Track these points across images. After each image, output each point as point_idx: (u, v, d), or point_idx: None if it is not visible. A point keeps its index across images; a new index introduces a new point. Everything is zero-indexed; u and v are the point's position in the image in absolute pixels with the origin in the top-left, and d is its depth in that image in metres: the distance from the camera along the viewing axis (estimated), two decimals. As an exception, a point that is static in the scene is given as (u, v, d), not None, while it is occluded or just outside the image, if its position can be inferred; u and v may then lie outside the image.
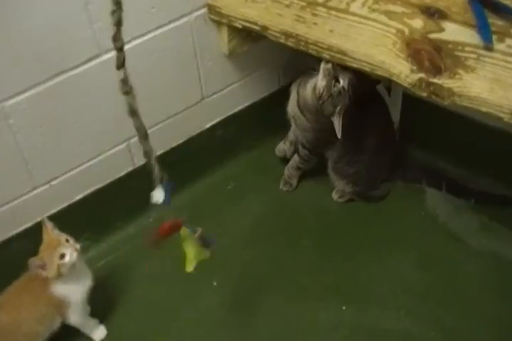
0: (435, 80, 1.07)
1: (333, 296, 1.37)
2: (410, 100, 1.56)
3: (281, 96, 1.46)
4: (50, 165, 1.30)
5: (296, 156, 1.55)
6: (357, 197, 1.56)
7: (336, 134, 1.31)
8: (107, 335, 1.32)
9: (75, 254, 1.16)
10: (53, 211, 1.37)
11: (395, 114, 1.61)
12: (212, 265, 1.41)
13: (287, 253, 1.47)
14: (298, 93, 1.40)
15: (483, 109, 1.04)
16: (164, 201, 1.09)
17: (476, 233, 1.46)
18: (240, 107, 1.58)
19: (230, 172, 1.65)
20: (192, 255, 1.18)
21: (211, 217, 1.54)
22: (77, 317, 1.24)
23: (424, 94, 1.10)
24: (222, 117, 1.57)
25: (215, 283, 1.41)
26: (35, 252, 1.32)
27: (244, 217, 1.56)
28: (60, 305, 1.20)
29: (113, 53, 1.21)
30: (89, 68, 1.23)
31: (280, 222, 1.56)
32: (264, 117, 1.49)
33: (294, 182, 1.61)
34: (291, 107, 1.44)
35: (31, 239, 1.32)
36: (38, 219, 1.33)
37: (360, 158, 1.47)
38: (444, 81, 1.06)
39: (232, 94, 1.54)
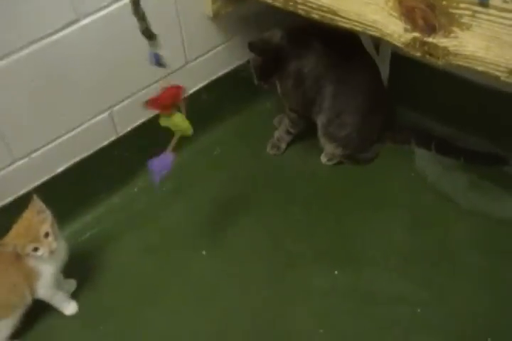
0: (430, 39, 1.04)
1: (325, 261, 1.37)
2: (399, 58, 1.53)
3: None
4: (29, 137, 1.26)
5: (286, 120, 1.53)
6: (346, 159, 1.55)
7: (315, 92, 1.31)
8: (94, 308, 1.30)
9: (46, 254, 1.13)
10: (35, 184, 1.33)
11: (384, 73, 1.58)
12: (200, 233, 1.43)
13: (277, 218, 1.46)
14: None
15: (480, 68, 1.02)
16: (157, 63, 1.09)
17: (466, 192, 1.47)
18: (225, 71, 1.54)
19: (216, 137, 1.63)
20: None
21: (198, 184, 1.53)
22: (46, 290, 1.21)
23: (418, 54, 1.07)
24: (206, 82, 1.53)
25: (204, 252, 1.40)
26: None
27: (231, 182, 1.54)
28: (30, 276, 1.18)
29: (91, 18, 1.18)
30: (67, 34, 1.17)
31: (268, 187, 1.54)
32: (250, 80, 1.44)
33: (283, 145, 1.59)
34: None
35: (13, 214, 1.29)
36: (20, 193, 1.31)
37: (351, 120, 1.45)
38: (439, 40, 1.03)
39: (216, 58, 1.49)
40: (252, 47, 1.33)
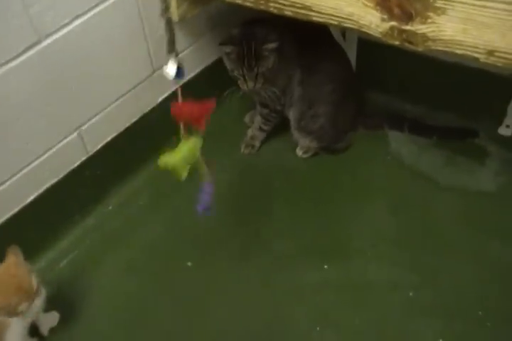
0: (408, 27, 1.05)
1: (313, 257, 1.37)
2: (365, 43, 1.55)
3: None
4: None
5: (258, 117, 1.51)
6: (322, 151, 1.55)
7: (284, 80, 1.31)
8: (85, 333, 1.24)
9: (29, 309, 1.04)
10: (4, 218, 1.26)
11: (352, 58, 1.59)
12: (183, 245, 1.40)
13: (259, 220, 1.44)
14: None
15: (459, 51, 1.04)
16: (177, 75, 1.01)
17: (442, 169, 1.51)
18: (192, 74, 1.50)
19: (187, 141, 1.58)
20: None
21: (174, 194, 1.49)
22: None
23: (397, 43, 1.08)
24: (174, 88, 1.47)
25: (189, 264, 1.37)
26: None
27: (210, 186, 1.51)
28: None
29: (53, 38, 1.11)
30: (28, 57, 1.11)
31: (247, 187, 1.52)
32: (218, 80, 1.42)
33: (257, 143, 1.57)
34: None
35: None
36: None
37: (324, 111, 1.44)
38: (416, 27, 1.04)
39: (183, 62, 1.44)
40: (224, 41, 1.30)
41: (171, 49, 1.02)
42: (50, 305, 1.19)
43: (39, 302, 1.07)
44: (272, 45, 1.29)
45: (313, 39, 1.37)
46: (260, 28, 1.31)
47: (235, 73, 1.33)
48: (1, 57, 1.07)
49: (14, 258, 1.03)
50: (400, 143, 1.56)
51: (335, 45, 1.43)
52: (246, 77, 1.32)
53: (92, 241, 1.40)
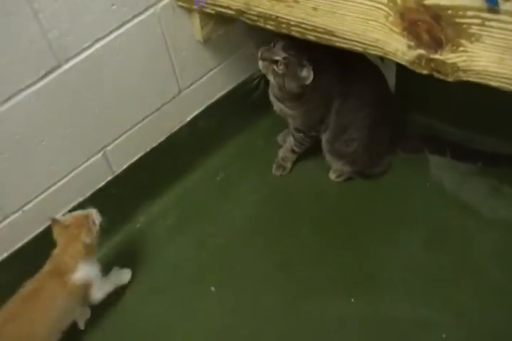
0: (436, 56, 0.97)
1: (340, 288, 1.31)
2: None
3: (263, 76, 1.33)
4: (19, 191, 1.20)
5: (291, 138, 1.46)
6: (356, 175, 1.48)
7: (324, 110, 1.27)
8: None
9: (98, 215, 1.21)
10: (30, 237, 1.27)
11: (390, 79, 1.50)
12: (208, 268, 1.38)
13: (287, 245, 1.40)
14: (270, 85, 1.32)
15: (494, 84, 0.95)
16: None
17: (487, 199, 1.40)
18: (221, 94, 1.47)
19: (218, 162, 1.56)
20: None
21: (203, 214, 1.47)
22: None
23: (425, 72, 1.00)
24: (202, 107, 1.46)
25: (212, 288, 1.34)
26: (14, 284, 1.24)
27: (238, 209, 1.48)
28: (85, 289, 1.21)
29: (74, 62, 1.11)
30: (48, 82, 1.10)
31: (276, 210, 1.48)
32: (247, 100, 1.38)
33: (289, 165, 1.52)
34: (272, 100, 1.36)
35: (9, 270, 1.26)
36: (15, 248, 1.27)
37: (358, 135, 1.37)
38: (446, 56, 0.96)
39: (210, 82, 1.42)
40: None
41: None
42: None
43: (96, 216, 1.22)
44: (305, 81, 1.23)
45: (350, 62, 1.28)
46: (300, 48, 1.24)
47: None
48: (21, 82, 1.07)
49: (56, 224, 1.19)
50: (441, 168, 1.46)
51: (372, 68, 1.34)
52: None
53: (118, 260, 1.39)
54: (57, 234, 1.19)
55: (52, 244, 1.24)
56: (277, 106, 1.36)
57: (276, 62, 1.22)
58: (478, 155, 1.44)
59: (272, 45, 1.23)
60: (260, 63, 1.24)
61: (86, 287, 1.21)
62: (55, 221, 1.18)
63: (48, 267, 1.19)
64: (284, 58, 1.21)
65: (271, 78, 1.26)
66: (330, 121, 1.35)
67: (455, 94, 1.46)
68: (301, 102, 1.31)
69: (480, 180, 1.43)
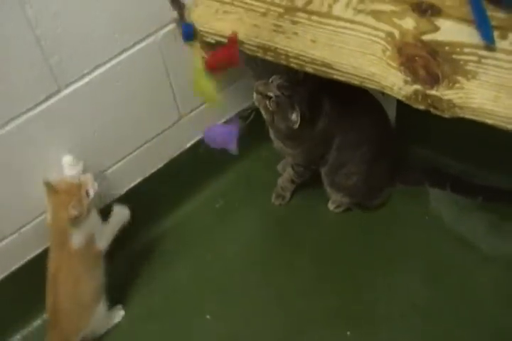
0: (433, 92, 0.97)
1: (337, 321, 1.29)
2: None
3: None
4: (17, 213, 1.21)
5: (290, 169, 1.45)
6: (355, 206, 1.47)
7: (325, 148, 1.28)
8: None
9: (96, 184, 1.17)
10: (26, 259, 1.27)
11: (391, 111, 1.48)
12: (204, 296, 1.37)
13: (284, 275, 1.38)
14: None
15: (489, 121, 0.95)
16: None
17: (487, 235, 1.37)
18: (221, 121, 1.47)
19: (217, 189, 1.55)
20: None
21: (201, 241, 1.46)
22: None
23: (422, 107, 1.00)
24: (203, 134, 1.45)
25: (208, 316, 1.33)
26: (10, 304, 1.27)
27: (236, 237, 1.47)
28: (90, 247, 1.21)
29: (74, 87, 1.13)
30: (48, 106, 1.11)
31: (274, 240, 1.47)
32: (248, 128, 1.38)
33: (288, 195, 1.51)
34: (272, 138, 1.36)
35: (4, 292, 1.26)
36: (12, 269, 1.26)
37: (358, 170, 1.36)
38: (442, 92, 0.96)
39: (210, 109, 1.42)
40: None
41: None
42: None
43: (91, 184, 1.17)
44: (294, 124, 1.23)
45: (350, 95, 1.25)
46: (296, 89, 1.23)
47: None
48: (21, 105, 1.08)
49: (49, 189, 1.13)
50: (440, 202, 1.44)
51: (372, 101, 1.33)
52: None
53: (115, 284, 1.36)
54: (48, 198, 1.14)
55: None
56: (277, 143, 1.36)
57: (269, 98, 1.22)
58: (478, 189, 1.42)
59: (270, 80, 1.23)
60: (255, 96, 1.25)
61: (89, 246, 1.19)
62: (48, 185, 1.12)
63: (50, 241, 1.19)
64: (277, 96, 1.21)
65: (263, 113, 1.27)
66: (330, 156, 1.35)
67: (456, 127, 1.43)
68: (299, 142, 1.31)
69: (480, 215, 1.40)
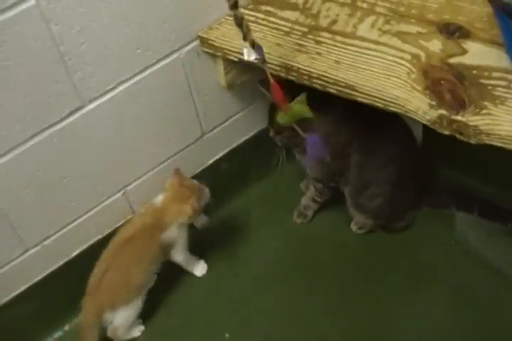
0: (458, 117, 0.93)
1: (356, 343, 1.26)
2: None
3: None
4: (40, 225, 1.21)
5: (312, 187, 1.43)
6: (378, 228, 1.43)
7: (340, 163, 1.27)
8: None
9: (209, 195, 1.27)
10: (48, 271, 1.28)
11: (417, 132, 1.44)
12: (223, 314, 1.35)
13: (305, 296, 1.36)
14: None
15: (517, 149, 0.91)
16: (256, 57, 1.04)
17: (516, 262, 1.33)
18: (244, 138, 1.46)
19: (239, 206, 1.54)
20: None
21: (222, 258, 1.45)
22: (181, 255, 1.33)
23: (447, 133, 0.97)
24: (225, 151, 1.45)
25: (227, 335, 1.31)
26: (32, 315, 1.27)
27: (256, 255, 1.45)
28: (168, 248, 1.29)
29: (97, 103, 1.13)
30: (72, 122, 1.12)
31: (295, 259, 1.44)
32: (271, 146, 1.37)
33: (310, 213, 1.49)
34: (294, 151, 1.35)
35: (27, 302, 1.26)
36: (34, 281, 1.27)
37: (382, 191, 1.33)
38: (468, 118, 0.93)
39: (234, 126, 1.42)
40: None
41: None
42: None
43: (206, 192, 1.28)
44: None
45: (374, 116, 1.19)
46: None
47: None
48: (45, 121, 1.09)
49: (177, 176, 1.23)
50: (467, 226, 1.40)
51: (397, 121, 1.29)
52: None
53: None
54: (170, 186, 1.24)
55: (70, 281, 1.26)
56: (298, 156, 1.35)
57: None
58: (508, 214, 1.37)
59: None
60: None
61: (169, 246, 1.28)
62: (177, 172, 1.23)
63: (144, 218, 1.26)
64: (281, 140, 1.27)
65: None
66: (351, 174, 1.32)
67: (485, 149, 1.41)
68: None
69: (508, 240, 1.36)
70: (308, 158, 1.28)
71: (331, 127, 1.24)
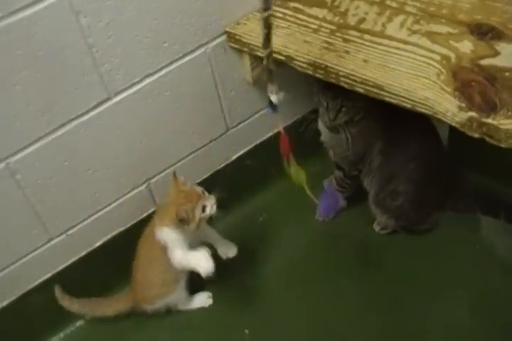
0: (489, 120, 0.91)
1: (378, 347, 1.24)
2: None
3: (314, 119, 1.33)
4: (65, 215, 1.23)
5: (333, 182, 1.43)
6: (401, 230, 1.41)
7: (364, 147, 1.28)
8: None
9: (215, 207, 1.18)
10: (72, 260, 1.30)
11: (443, 133, 1.42)
12: (244, 310, 1.35)
13: (327, 297, 1.35)
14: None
15: (550, 154, 0.88)
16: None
17: (541, 269, 1.30)
18: (269, 135, 1.45)
19: (261, 203, 1.53)
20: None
21: (242, 256, 1.41)
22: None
23: (476, 135, 0.94)
24: (249, 147, 1.45)
25: (247, 331, 1.31)
26: (54, 304, 1.26)
27: (277, 252, 1.45)
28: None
29: (123, 96, 1.14)
30: (98, 113, 1.13)
31: (316, 258, 1.43)
32: (296, 142, 1.36)
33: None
34: (321, 128, 1.32)
35: (50, 291, 1.27)
36: (58, 269, 1.29)
37: (405, 189, 1.31)
38: (499, 121, 0.90)
39: (258, 122, 1.41)
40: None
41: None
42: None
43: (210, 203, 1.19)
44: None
45: (402, 112, 1.23)
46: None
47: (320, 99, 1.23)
48: (72, 112, 1.10)
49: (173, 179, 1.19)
50: (493, 231, 1.37)
51: (425, 121, 1.27)
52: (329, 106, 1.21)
53: None
54: (171, 190, 1.19)
55: (93, 270, 1.29)
56: (324, 133, 1.31)
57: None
58: (536, 220, 1.34)
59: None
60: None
61: (165, 248, 1.22)
62: (174, 177, 1.18)
63: (155, 217, 1.24)
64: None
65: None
66: (373, 162, 1.31)
67: (512, 152, 1.38)
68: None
69: (535, 247, 1.33)
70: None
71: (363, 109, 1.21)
